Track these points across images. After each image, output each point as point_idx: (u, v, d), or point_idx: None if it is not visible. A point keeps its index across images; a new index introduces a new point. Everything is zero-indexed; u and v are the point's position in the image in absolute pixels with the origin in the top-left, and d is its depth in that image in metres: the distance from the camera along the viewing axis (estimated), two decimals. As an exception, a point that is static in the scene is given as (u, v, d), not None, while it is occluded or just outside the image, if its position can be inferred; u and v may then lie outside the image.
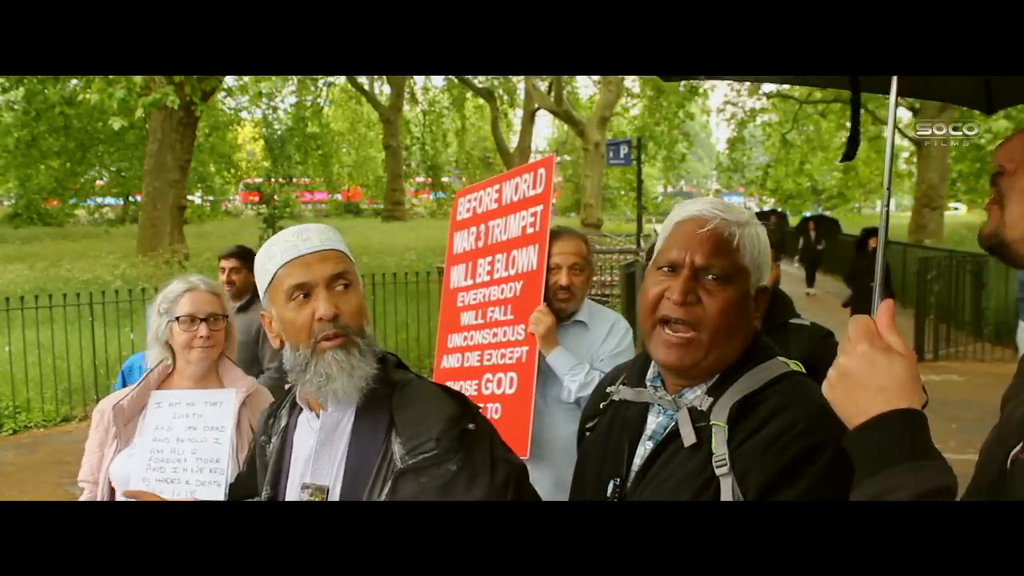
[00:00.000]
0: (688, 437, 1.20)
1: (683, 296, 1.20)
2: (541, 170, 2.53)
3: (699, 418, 1.21)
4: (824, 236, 17.21)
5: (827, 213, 25.59)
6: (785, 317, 2.45)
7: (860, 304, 8.86)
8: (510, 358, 2.45)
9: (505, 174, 2.73)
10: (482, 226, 2.70)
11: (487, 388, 2.49)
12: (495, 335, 2.52)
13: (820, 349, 2.39)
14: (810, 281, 16.43)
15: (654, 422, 1.29)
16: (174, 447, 2.04)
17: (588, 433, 1.45)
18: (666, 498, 1.18)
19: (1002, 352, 9.44)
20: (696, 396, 1.23)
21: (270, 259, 1.35)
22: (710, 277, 1.21)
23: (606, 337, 2.47)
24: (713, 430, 1.17)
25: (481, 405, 2.47)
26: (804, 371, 1.24)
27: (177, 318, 2.12)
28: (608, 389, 1.41)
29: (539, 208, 2.47)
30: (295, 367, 1.33)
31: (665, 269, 1.24)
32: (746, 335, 1.24)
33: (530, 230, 2.47)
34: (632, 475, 1.27)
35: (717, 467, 1.14)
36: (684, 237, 1.22)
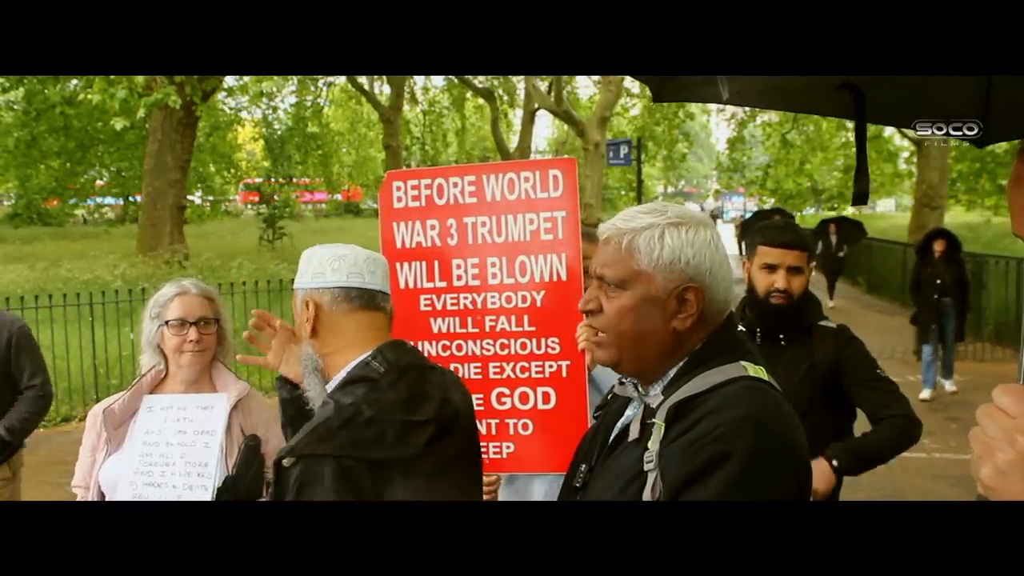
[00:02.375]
0: (633, 432, 1.28)
1: (584, 304, 1.33)
2: (555, 172, 2.32)
3: (650, 415, 1.26)
4: (846, 241, 15.16)
5: (831, 214, 25.35)
6: (812, 320, 2.42)
7: (928, 319, 8.06)
8: (540, 372, 2.32)
9: (485, 166, 2.46)
10: (451, 221, 2.39)
11: (501, 403, 2.34)
12: (504, 346, 2.34)
13: (844, 352, 2.36)
14: (831, 292, 14.60)
15: (625, 415, 1.38)
16: (163, 451, 2.03)
17: (594, 421, 1.54)
18: (606, 486, 1.27)
19: (1002, 352, 9.45)
20: (655, 394, 1.29)
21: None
22: (609, 284, 1.29)
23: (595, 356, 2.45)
24: (653, 427, 1.23)
25: (495, 420, 2.34)
26: (764, 377, 1.25)
27: (167, 322, 2.12)
28: (613, 383, 1.51)
29: (560, 215, 2.30)
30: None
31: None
32: (662, 336, 1.27)
33: (546, 236, 2.30)
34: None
35: (646, 463, 1.20)
36: (596, 251, 1.35)
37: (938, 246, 8.01)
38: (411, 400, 1.43)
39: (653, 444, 1.21)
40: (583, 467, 1.39)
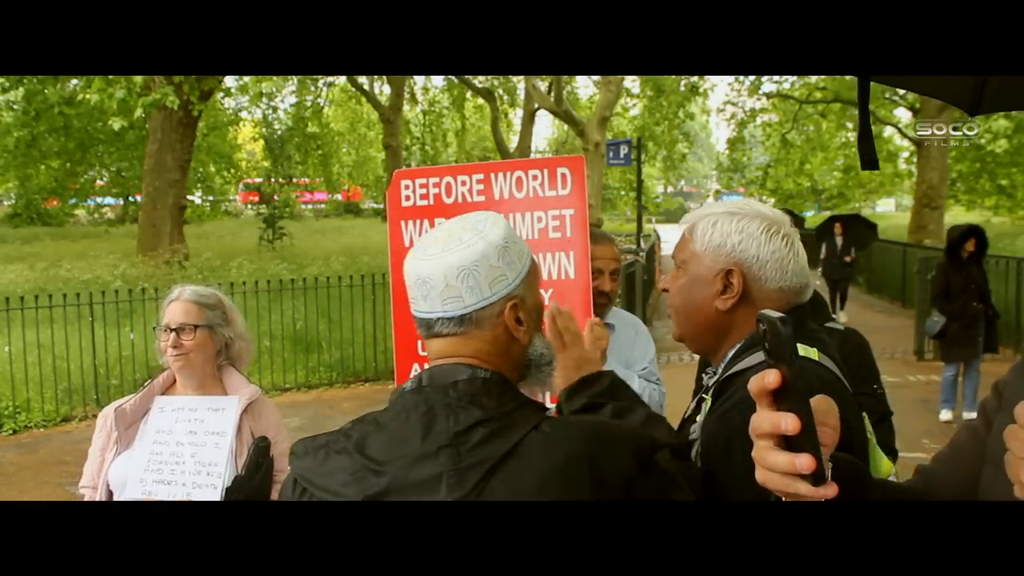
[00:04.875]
0: (689, 409, 1.41)
1: (662, 284, 1.45)
2: (563, 170, 2.34)
3: (705, 392, 1.37)
4: (855, 244, 12.50)
5: (825, 216, 25.12)
6: (819, 321, 2.35)
7: (959, 335, 6.82)
8: None
9: (493, 164, 2.46)
10: None
11: None
12: None
13: (850, 358, 2.30)
14: (838, 304, 12.17)
15: None
16: (173, 450, 2.07)
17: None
18: None
19: (1002, 352, 9.45)
20: (716, 374, 1.39)
21: (518, 241, 1.19)
22: (676, 265, 1.42)
23: (635, 342, 2.46)
24: (703, 403, 1.35)
25: None
26: (812, 357, 1.28)
27: (155, 327, 2.20)
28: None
29: (569, 212, 2.32)
30: (552, 356, 1.24)
31: None
32: (709, 315, 1.35)
33: (554, 235, 2.32)
34: None
35: (692, 433, 1.32)
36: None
37: (969, 246, 6.81)
38: (367, 449, 1.07)
39: (700, 417, 1.32)
40: None
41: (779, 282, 1.33)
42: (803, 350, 1.28)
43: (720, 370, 1.35)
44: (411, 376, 1.21)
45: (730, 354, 1.35)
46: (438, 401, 1.09)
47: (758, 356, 1.26)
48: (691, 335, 1.40)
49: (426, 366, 1.16)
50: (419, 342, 2.43)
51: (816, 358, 1.27)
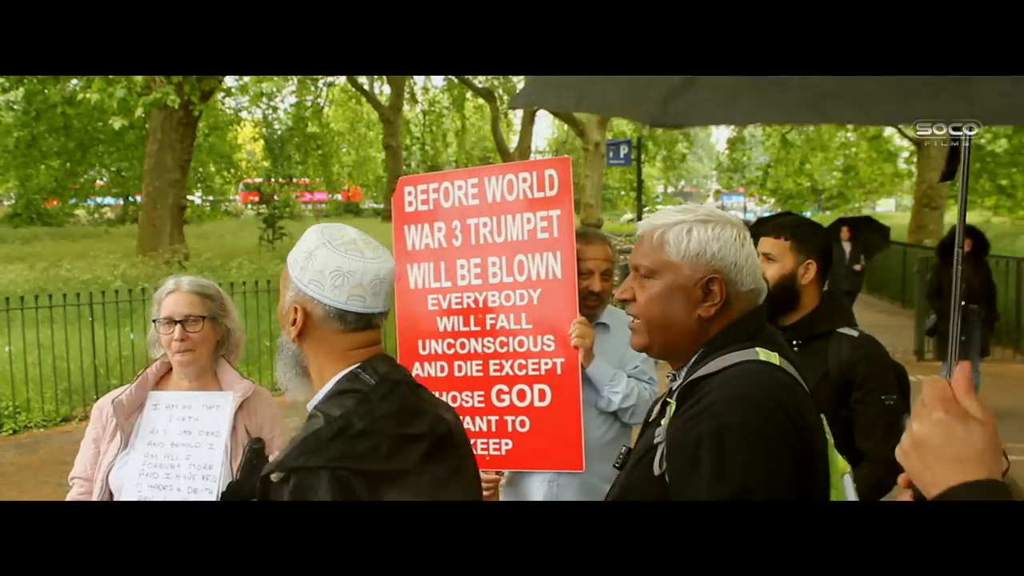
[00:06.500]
0: (653, 412, 1.43)
1: (621, 293, 1.45)
2: (550, 171, 2.38)
3: (669, 396, 1.39)
4: (865, 250, 10.93)
5: (827, 217, 24.96)
6: (832, 326, 2.24)
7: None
8: (536, 369, 2.36)
9: (486, 168, 2.54)
10: (456, 223, 2.48)
11: (500, 400, 2.39)
12: (503, 344, 2.40)
13: (859, 365, 2.17)
14: None
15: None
16: (168, 452, 2.03)
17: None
18: (632, 462, 1.41)
19: (1002, 352, 9.45)
20: (680, 377, 1.40)
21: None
22: (641, 274, 1.41)
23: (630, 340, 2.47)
24: (667, 406, 1.35)
25: (495, 417, 2.39)
26: (774, 361, 1.30)
27: (155, 320, 2.12)
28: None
29: (555, 213, 2.35)
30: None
31: None
32: (688, 323, 1.37)
33: (543, 235, 2.36)
34: None
35: (656, 436, 1.33)
36: (636, 246, 1.47)
37: (965, 246, 6.89)
38: (403, 414, 1.37)
39: (665, 420, 1.33)
40: (624, 448, 1.52)
41: (750, 285, 1.37)
42: (764, 355, 1.31)
43: (683, 374, 1.37)
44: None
45: (693, 358, 1.37)
46: (406, 378, 1.47)
47: (723, 360, 1.31)
48: (662, 343, 1.41)
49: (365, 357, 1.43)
50: (420, 342, 2.50)
51: (777, 362, 1.31)
